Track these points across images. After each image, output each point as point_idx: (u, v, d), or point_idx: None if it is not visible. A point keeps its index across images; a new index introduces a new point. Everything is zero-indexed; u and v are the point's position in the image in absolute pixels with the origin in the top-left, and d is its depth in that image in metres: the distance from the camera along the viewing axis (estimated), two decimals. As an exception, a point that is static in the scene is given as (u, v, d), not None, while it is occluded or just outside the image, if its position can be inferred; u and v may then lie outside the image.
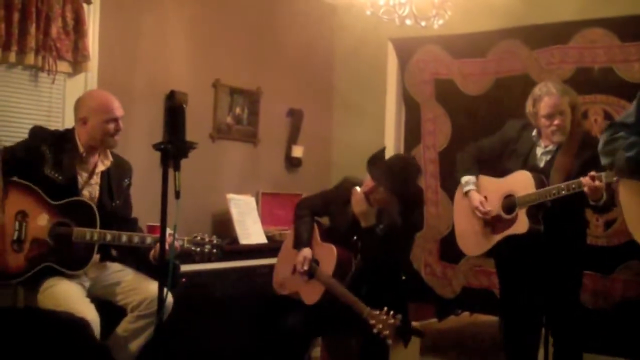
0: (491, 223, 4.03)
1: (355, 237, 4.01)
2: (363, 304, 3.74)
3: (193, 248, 3.69)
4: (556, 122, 3.80)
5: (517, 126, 4.08)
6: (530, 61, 5.01)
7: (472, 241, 4.17)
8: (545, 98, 3.84)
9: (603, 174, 3.48)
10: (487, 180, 4.14)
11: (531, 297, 3.99)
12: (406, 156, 4.20)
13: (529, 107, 3.96)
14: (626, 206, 2.85)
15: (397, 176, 3.94)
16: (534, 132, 3.95)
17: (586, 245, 4.08)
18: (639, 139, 2.82)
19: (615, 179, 3.40)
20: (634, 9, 4.71)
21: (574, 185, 3.60)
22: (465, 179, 4.17)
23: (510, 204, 3.92)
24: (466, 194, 4.16)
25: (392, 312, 3.60)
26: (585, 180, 3.51)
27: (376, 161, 4.02)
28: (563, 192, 3.65)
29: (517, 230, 3.85)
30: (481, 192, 4.12)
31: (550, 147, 3.88)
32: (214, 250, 3.72)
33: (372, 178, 3.98)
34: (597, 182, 3.47)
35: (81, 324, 3.26)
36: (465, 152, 4.27)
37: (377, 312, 3.64)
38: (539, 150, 3.92)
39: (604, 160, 3.22)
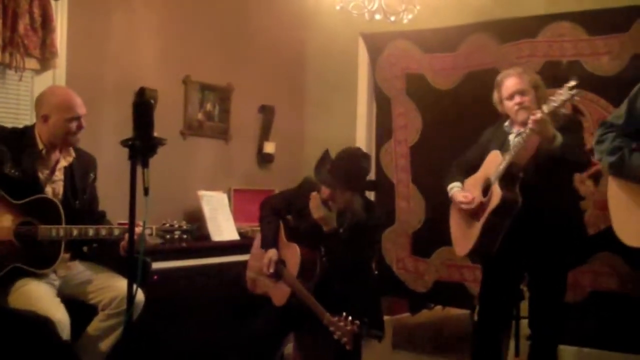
0: (476, 213, 3.94)
1: (319, 242, 3.96)
2: (323, 310, 3.70)
3: (163, 235, 3.67)
4: (517, 100, 3.84)
5: (491, 130, 4.11)
6: (499, 55, 5.05)
7: (463, 240, 4.07)
8: (505, 81, 3.92)
9: (544, 105, 3.52)
10: (468, 180, 4.08)
11: (512, 290, 4.00)
12: (351, 149, 4.12)
13: (494, 96, 4.00)
14: (611, 200, 2.92)
15: (347, 171, 3.88)
16: (507, 122, 3.98)
17: (584, 234, 4.03)
18: (623, 142, 2.86)
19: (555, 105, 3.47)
20: (600, 3, 4.76)
21: (525, 131, 3.63)
22: (450, 185, 4.12)
23: (487, 186, 3.88)
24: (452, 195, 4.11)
25: (350, 318, 3.57)
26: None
27: (322, 166, 3.97)
28: (520, 144, 3.65)
29: (493, 205, 3.76)
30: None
31: (522, 131, 3.87)
32: (184, 236, 3.70)
33: (323, 184, 3.93)
34: (538, 115, 3.50)
35: (45, 323, 3.23)
36: (451, 167, 4.23)
37: (336, 319, 3.61)
38: (512, 137, 3.91)
39: (596, 156, 3.26)
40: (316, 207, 3.98)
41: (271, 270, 4.01)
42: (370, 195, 5.39)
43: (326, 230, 3.96)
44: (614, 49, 4.69)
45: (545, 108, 3.52)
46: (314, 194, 4.00)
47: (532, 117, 3.56)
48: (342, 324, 3.59)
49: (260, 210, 4.33)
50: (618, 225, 2.85)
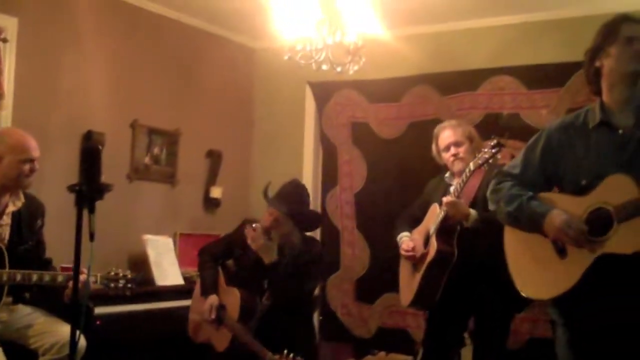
0: (417, 265, 4.00)
1: (261, 277, 4.01)
2: (265, 350, 3.73)
3: (107, 283, 3.65)
4: (453, 152, 3.97)
5: (435, 181, 4.21)
6: (441, 106, 5.21)
7: (407, 290, 4.11)
8: (440, 133, 4.05)
9: (471, 162, 3.66)
10: (414, 232, 4.13)
11: (456, 337, 4.06)
12: (294, 180, 4.28)
13: (433, 148, 4.12)
14: (509, 252, 2.90)
15: (292, 198, 4.04)
16: (447, 174, 4.09)
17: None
18: (520, 191, 2.84)
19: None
20: (538, 59, 4.96)
21: (442, 209, 3.78)
22: (399, 235, 4.17)
23: (427, 237, 3.96)
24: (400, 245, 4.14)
25: (292, 355, 3.60)
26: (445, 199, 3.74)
27: (268, 191, 4.11)
28: (442, 213, 3.77)
29: (430, 257, 3.85)
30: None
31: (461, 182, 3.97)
32: (129, 285, 3.69)
33: (269, 205, 4.05)
34: (448, 198, 3.70)
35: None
36: (399, 218, 4.31)
37: (277, 357, 3.64)
38: (452, 189, 3.97)
39: (490, 206, 3.23)
40: (255, 238, 4.02)
41: (212, 316, 4.02)
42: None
43: (267, 263, 3.99)
44: (551, 102, 4.88)
45: (472, 165, 3.68)
46: (251, 224, 4.06)
47: (444, 200, 3.75)
48: None
49: (198, 258, 4.35)
50: (518, 277, 2.81)
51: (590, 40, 2.72)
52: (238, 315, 3.95)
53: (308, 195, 4.24)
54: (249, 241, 4.04)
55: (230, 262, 4.31)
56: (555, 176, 2.77)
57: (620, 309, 2.50)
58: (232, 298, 4.02)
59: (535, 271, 2.70)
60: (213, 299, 4.06)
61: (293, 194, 4.09)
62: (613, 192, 2.47)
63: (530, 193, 2.75)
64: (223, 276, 4.21)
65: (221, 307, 4.05)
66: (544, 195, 2.73)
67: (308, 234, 4.32)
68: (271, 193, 4.14)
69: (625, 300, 2.49)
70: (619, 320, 2.52)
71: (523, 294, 2.73)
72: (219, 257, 4.30)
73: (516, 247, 2.81)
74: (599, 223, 2.49)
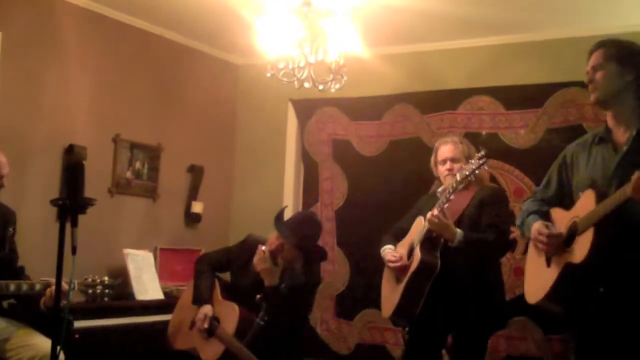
0: (400, 276, 3.97)
1: (259, 296, 3.98)
2: None
3: (85, 290, 3.65)
4: (448, 166, 3.99)
5: (426, 197, 4.23)
6: (422, 125, 5.27)
7: (388, 302, 4.09)
8: (441, 146, 4.08)
9: (458, 173, 3.69)
10: (399, 245, 4.13)
11: (436, 354, 4.06)
12: (309, 212, 4.28)
13: (431, 159, 4.14)
14: (527, 265, 3.06)
15: (303, 231, 4.01)
16: (440, 188, 4.11)
17: (503, 300, 4.07)
18: (532, 207, 3.02)
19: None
20: (517, 80, 5.04)
21: (425, 226, 3.79)
22: (382, 247, 4.17)
23: (411, 249, 3.96)
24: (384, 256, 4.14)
25: None
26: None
27: (282, 218, 4.07)
28: (427, 226, 3.77)
29: (413, 267, 3.84)
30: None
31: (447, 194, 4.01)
32: (106, 291, 3.69)
33: (280, 234, 4.01)
34: (430, 214, 3.72)
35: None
36: (387, 233, 4.29)
37: None
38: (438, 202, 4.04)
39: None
40: (262, 260, 4.00)
41: (205, 326, 4.01)
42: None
43: (267, 285, 3.99)
44: (529, 123, 4.96)
45: (458, 176, 3.70)
46: (260, 246, 4.04)
47: (428, 215, 3.75)
48: None
49: (196, 265, 4.31)
50: (525, 287, 3.00)
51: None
52: (234, 330, 3.94)
53: (320, 228, 4.21)
54: (255, 261, 4.04)
55: (223, 274, 4.31)
56: (570, 190, 2.95)
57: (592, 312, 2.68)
58: (230, 312, 3.99)
59: (533, 280, 2.91)
60: (208, 308, 4.04)
61: (304, 226, 4.06)
62: (583, 206, 2.67)
63: (536, 208, 2.97)
64: (219, 288, 4.19)
65: (214, 319, 4.05)
66: (551, 210, 2.94)
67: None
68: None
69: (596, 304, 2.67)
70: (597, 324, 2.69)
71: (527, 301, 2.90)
72: (216, 267, 4.27)
73: (531, 259, 3.01)
74: (572, 235, 2.69)
